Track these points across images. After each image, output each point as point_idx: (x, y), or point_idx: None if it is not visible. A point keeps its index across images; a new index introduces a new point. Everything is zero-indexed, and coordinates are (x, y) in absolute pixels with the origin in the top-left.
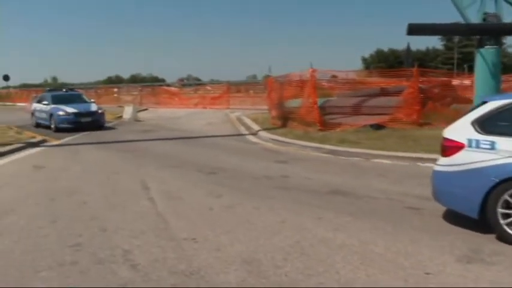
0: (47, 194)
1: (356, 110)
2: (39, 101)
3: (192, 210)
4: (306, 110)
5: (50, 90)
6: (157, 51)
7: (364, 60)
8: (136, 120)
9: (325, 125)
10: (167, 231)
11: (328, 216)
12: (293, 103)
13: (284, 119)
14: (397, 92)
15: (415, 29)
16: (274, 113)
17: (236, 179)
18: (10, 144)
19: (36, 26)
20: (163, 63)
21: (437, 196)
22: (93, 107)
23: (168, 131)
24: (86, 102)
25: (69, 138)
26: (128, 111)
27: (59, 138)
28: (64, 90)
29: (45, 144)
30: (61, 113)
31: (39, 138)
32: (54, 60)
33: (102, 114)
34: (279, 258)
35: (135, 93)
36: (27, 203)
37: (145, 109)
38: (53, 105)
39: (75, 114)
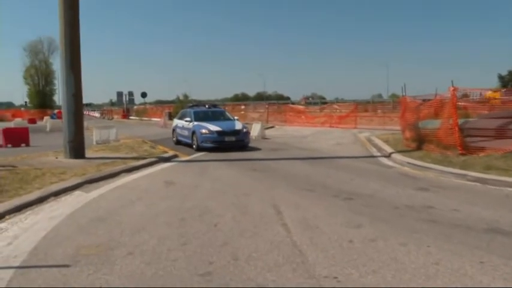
0: (177, 213)
1: (501, 133)
2: (180, 118)
3: (331, 241)
4: (445, 131)
5: (192, 106)
6: (282, 69)
7: (501, 77)
8: (263, 138)
9: (466, 149)
10: (305, 265)
11: (492, 260)
12: (428, 124)
13: (419, 141)
14: None
15: None
16: (408, 134)
17: (375, 207)
18: (144, 158)
19: (170, 47)
20: (287, 81)
21: None
22: (238, 125)
23: (296, 149)
24: (229, 119)
25: (198, 154)
26: (255, 129)
27: (189, 154)
28: (207, 106)
29: (176, 159)
30: (204, 131)
31: (170, 153)
32: (185, 78)
33: (247, 133)
34: None
35: (261, 110)
36: (157, 221)
37: (272, 127)
38: (195, 123)
39: (218, 132)
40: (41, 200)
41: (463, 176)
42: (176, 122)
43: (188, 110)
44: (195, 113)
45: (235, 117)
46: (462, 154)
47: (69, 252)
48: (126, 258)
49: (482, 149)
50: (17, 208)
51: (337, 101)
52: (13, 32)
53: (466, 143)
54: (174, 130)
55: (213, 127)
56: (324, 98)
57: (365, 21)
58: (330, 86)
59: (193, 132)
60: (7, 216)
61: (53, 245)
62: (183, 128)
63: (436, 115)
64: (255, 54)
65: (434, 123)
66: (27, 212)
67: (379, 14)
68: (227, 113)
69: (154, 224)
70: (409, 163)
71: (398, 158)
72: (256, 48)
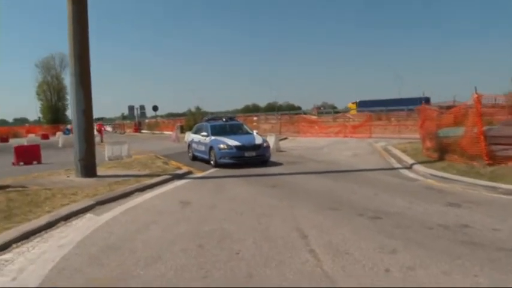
0: (195, 238)
1: None
2: (196, 132)
3: (365, 270)
4: (469, 140)
5: (208, 120)
6: (292, 79)
7: None
8: (278, 150)
9: (493, 159)
10: None
11: None
12: (450, 132)
13: (441, 151)
14: None
15: None
16: (428, 143)
17: (406, 227)
18: (158, 175)
19: (181, 60)
20: (297, 91)
21: None
22: (258, 139)
23: (313, 162)
24: (248, 133)
25: (213, 170)
26: (270, 141)
27: (203, 170)
28: (224, 119)
29: (190, 176)
30: (222, 146)
31: (184, 169)
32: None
33: (268, 147)
34: None
35: (273, 121)
36: (174, 249)
37: (285, 138)
38: (212, 137)
39: (237, 147)
40: (50, 225)
41: (494, 189)
42: (192, 136)
43: (204, 123)
44: (212, 127)
45: (255, 131)
46: (489, 164)
47: None
48: None
49: (510, 158)
50: (25, 235)
51: (349, 110)
52: (25, 49)
53: (492, 152)
54: (189, 145)
55: (232, 142)
56: (335, 107)
57: (374, 28)
58: (340, 94)
59: (211, 148)
60: (14, 245)
61: (61, 280)
62: (199, 143)
63: (459, 123)
64: (264, 65)
65: (456, 132)
66: (36, 240)
67: (389, 21)
68: (245, 126)
69: (171, 252)
70: (433, 175)
71: (421, 170)
72: (266, 59)
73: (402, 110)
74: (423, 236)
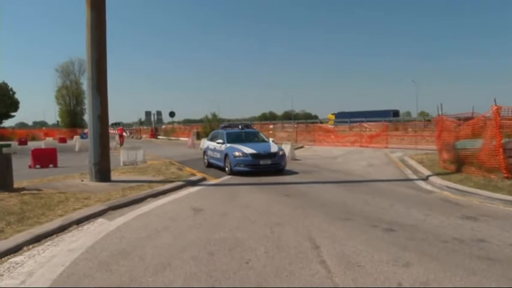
0: (206, 246)
1: None
2: (212, 139)
3: (376, 284)
4: (487, 153)
5: (224, 127)
6: (309, 87)
7: None
8: (293, 159)
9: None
10: None
11: None
12: (467, 144)
13: (458, 163)
14: None
15: None
16: (445, 155)
17: (420, 240)
18: (171, 181)
19: (199, 67)
20: (314, 100)
21: None
22: (273, 148)
23: (328, 172)
24: (264, 141)
25: (227, 177)
26: (285, 149)
27: (217, 177)
28: (240, 127)
29: (204, 183)
30: (237, 153)
31: (198, 176)
32: (213, 98)
33: (283, 156)
34: None
35: (289, 130)
36: (184, 256)
37: (301, 147)
38: (228, 145)
39: (253, 155)
40: (62, 229)
41: None
42: (207, 143)
43: (220, 131)
44: (228, 134)
45: (271, 139)
46: (507, 178)
47: None
48: None
49: None
50: (36, 238)
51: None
52: (46, 54)
53: (510, 166)
54: (205, 152)
55: (247, 149)
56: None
57: (389, 37)
58: (356, 104)
59: (226, 155)
60: (25, 248)
61: (69, 285)
62: (214, 150)
63: (477, 135)
64: (282, 73)
65: (474, 144)
66: (47, 243)
67: (403, 31)
68: (261, 134)
69: (181, 259)
70: (449, 187)
71: (437, 182)
72: (283, 68)
73: (375, 121)
74: (438, 249)
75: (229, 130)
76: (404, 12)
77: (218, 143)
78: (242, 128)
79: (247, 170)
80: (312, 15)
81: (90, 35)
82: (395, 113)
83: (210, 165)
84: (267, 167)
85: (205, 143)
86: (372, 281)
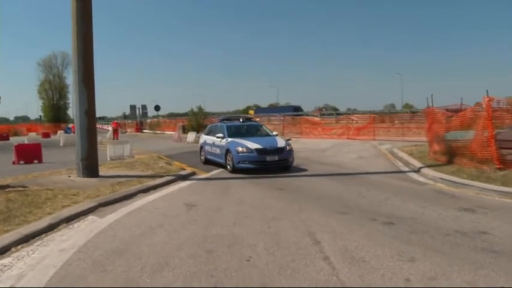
0: (203, 244)
1: None
2: (209, 133)
3: (384, 280)
4: (479, 144)
5: (223, 120)
6: (293, 80)
7: None
8: None
9: (504, 163)
10: None
11: None
12: (458, 135)
13: (449, 155)
14: None
15: None
16: (436, 147)
17: (422, 233)
18: (161, 176)
19: (183, 60)
20: (298, 92)
21: None
22: (280, 142)
23: (319, 164)
24: (268, 135)
25: (217, 171)
26: None
27: (208, 171)
28: (241, 120)
29: (194, 177)
30: (241, 149)
31: (188, 170)
32: (197, 90)
33: (291, 151)
34: None
35: (275, 122)
36: (181, 255)
37: (289, 139)
38: (229, 139)
39: (258, 151)
40: (51, 228)
41: (508, 194)
42: (204, 138)
43: (219, 124)
44: (228, 128)
45: (275, 133)
46: (499, 169)
47: None
48: None
49: None
50: (25, 238)
51: (352, 112)
52: (28, 48)
53: (502, 157)
54: (201, 147)
55: (252, 144)
56: (337, 109)
57: (374, 30)
58: (341, 96)
59: (227, 151)
60: (13, 249)
61: None
62: (213, 145)
63: (468, 126)
64: (266, 65)
65: (465, 135)
66: (36, 243)
67: (389, 23)
68: (264, 127)
69: (178, 258)
70: (442, 179)
71: (430, 174)
72: (267, 59)
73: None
74: (441, 242)
75: (230, 123)
76: (388, 3)
77: (218, 137)
78: (243, 121)
79: (252, 167)
80: (301, 9)
81: (76, 27)
82: (296, 109)
83: (207, 161)
84: (274, 163)
85: (201, 137)
86: (379, 278)
